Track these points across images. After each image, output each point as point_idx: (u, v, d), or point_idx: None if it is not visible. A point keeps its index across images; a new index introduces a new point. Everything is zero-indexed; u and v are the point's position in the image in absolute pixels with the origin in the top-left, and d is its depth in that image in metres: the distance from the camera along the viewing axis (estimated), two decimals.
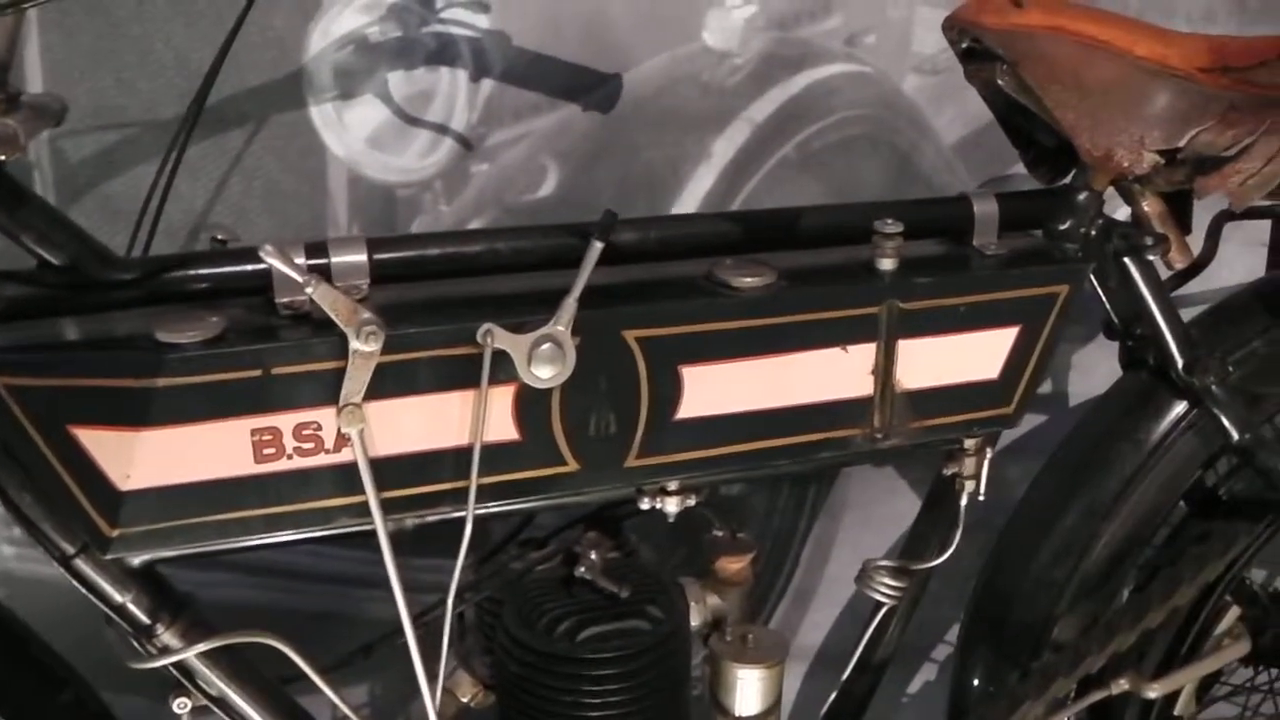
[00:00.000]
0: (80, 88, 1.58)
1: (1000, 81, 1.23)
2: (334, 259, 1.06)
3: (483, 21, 1.62)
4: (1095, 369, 1.75)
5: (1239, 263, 1.72)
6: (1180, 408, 1.39)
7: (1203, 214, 1.36)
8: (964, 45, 1.25)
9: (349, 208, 1.65)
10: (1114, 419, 1.43)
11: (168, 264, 1.06)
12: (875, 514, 1.90)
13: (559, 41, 1.64)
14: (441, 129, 1.65)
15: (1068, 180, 1.30)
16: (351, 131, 1.63)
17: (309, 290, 0.98)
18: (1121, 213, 1.33)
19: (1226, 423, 1.34)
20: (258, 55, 1.59)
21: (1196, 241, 1.41)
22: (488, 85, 1.64)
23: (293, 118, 1.63)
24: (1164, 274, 1.36)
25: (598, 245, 1.03)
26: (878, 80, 1.75)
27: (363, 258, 1.06)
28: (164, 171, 1.27)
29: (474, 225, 1.66)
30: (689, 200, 1.70)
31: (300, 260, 1.04)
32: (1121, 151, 1.22)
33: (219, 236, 1.11)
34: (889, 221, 1.14)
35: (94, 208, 1.61)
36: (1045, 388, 1.95)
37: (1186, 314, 1.46)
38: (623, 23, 1.65)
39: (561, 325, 1.03)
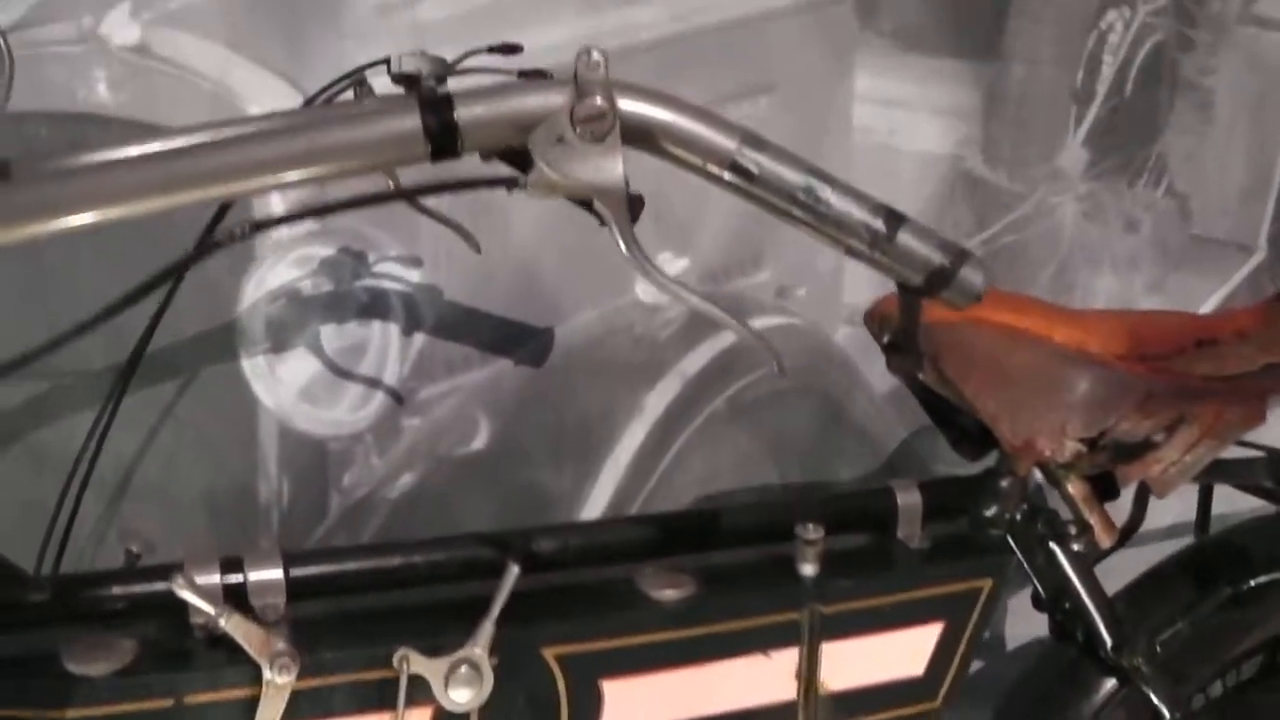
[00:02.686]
0: (8, 336, 1.57)
1: (921, 376, 1.24)
2: (250, 576, 1.05)
3: (415, 276, 1.63)
4: (1032, 613, 1.75)
5: (1169, 508, 1.73)
6: (1110, 685, 1.38)
7: None
8: (886, 339, 1.26)
9: (279, 459, 1.65)
10: (1044, 694, 1.42)
11: (80, 583, 1.05)
12: None
13: (491, 295, 1.65)
14: (373, 382, 1.64)
15: (991, 463, 1.31)
16: (283, 384, 1.63)
17: (221, 622, 0.97)
18: None
19: (1157, 701, 1.33)
20: (190, 307, 1.58)
21: (1124, 504, 1.42)
22: (420, 339, 1.64)
23: (225, 369, 1.62)
24: None
25: (514, 569, 1.02)
26: (809, 331, 1.77)
27: (278, 574, 1.05)
28: (78, 470, 1.27)
29: (406, 478, 1.66)
30: (622, 455, 1.70)
31: (214, 578, 1.03)
32: (1043, 440, 1.23)
33: (133, 549, 1.11)
34: (810, 527, 1.14)
35: (23, 457, 1.59)
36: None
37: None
38: (555, 276, 1.66)
39: (479, 648, 1.02)
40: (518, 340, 1.67)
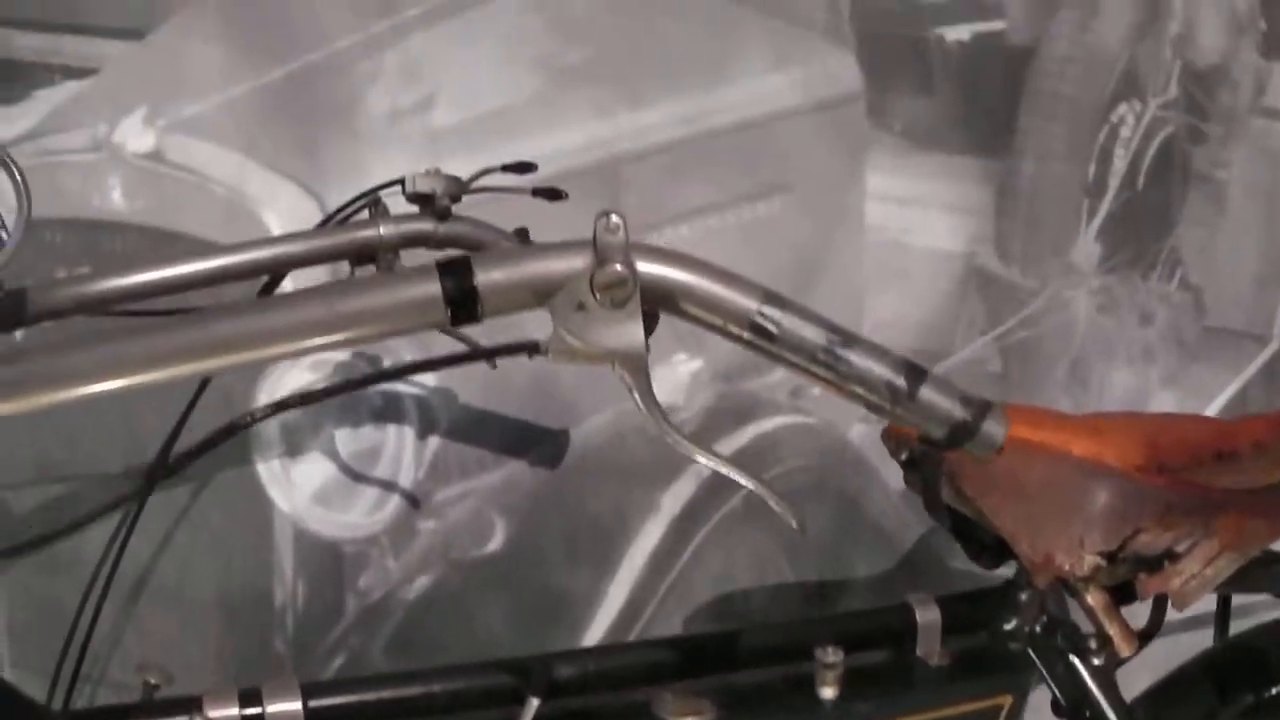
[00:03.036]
0: (23, 441, 1.57)
1: (942, 494, 1.24)
2: (268, 709, 1.05)
3: (430, 379, 1.62)
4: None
5: None
6: None
7: None
8: (903, 457, 1.26)
9: (295, 562, 1.64)
10: None
11: (98, 718, 1.05)
12: None
13: (506, 398, 1.65)
14: (388, 485, 1.64)
15: (1009, 573, 1.30)
16: (298, 488, 1.63)
17: None
18: None
19: None
20: (205, 412, 1.58)
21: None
22: (435, 442, 1.64)
23: (239, 473, 1.62)
24: None
25: (534, 702, 1.02)
26: (823, 430, 1.76)
27: (297, 707, 1.05)
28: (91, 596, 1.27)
29: (422, 580, 1.65)
30: (638, 554, 1.70)
31: (232, 711, 1.03)
32: (1061, 555, 1.22)
33: (151, 680, 1.10)
34: (829, 650, 1.14)
35: (36, 563, 1.59)
36: None
37: None
38: (569, 377, 1.66)
39: None
40: (533, 442, 1.67)
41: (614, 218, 0.80)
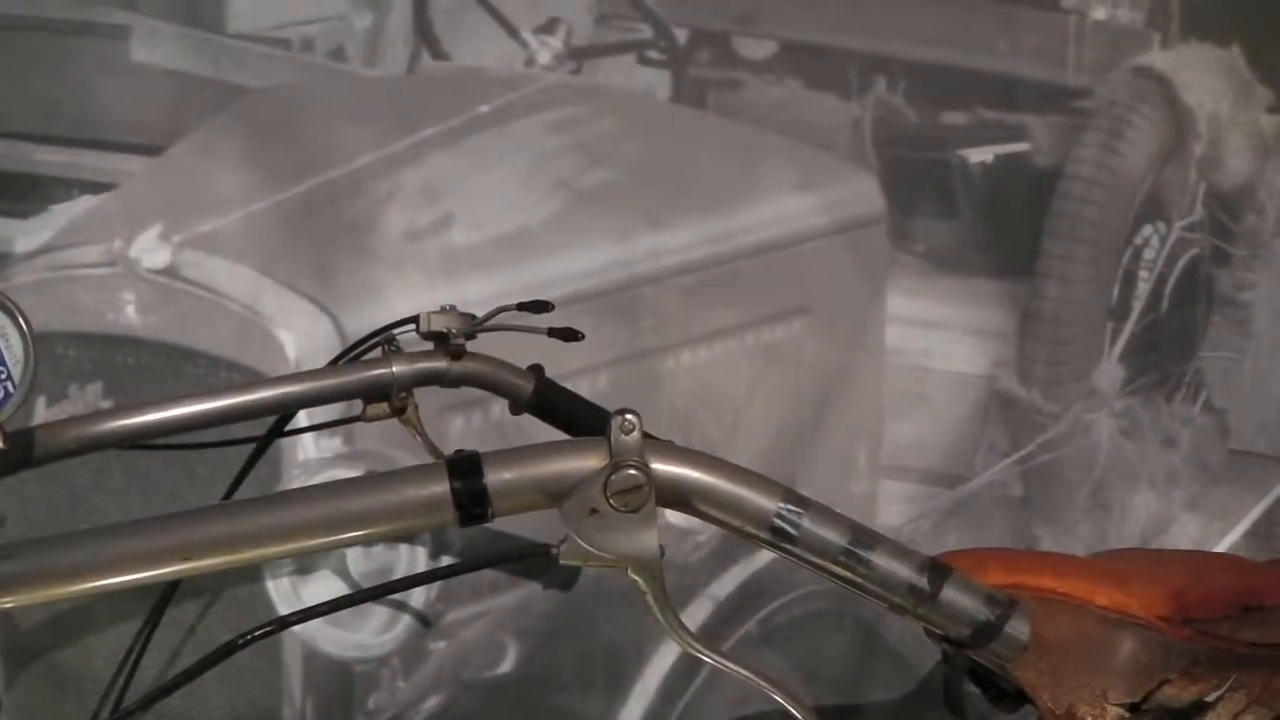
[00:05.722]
0: None
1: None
2: None
3: None
4: None
5: None
6: None
7: None
8: None
9: (304, 682, 1.62)
10: None
11: None
12: None
13: (520, 519, 1.62)
14: (400, 606, 1.62)
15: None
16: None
17: None
18: None
19: None
20: None
21: None
22: (447, 563, 1.62)
23: (249, 591, 1.61)
24: None
25: None
26: None
27: None
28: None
29: (432, 701, 1.63)
30: (650, 679, 1.67)
31: None
32: (1084, 708, 1.19)
33: None
34: None
35: (42, 676, 1.57)
36: None
37: None
38: None
39: None
40: (546, 564, 1.64)
41: (629, 417, 0.78)
